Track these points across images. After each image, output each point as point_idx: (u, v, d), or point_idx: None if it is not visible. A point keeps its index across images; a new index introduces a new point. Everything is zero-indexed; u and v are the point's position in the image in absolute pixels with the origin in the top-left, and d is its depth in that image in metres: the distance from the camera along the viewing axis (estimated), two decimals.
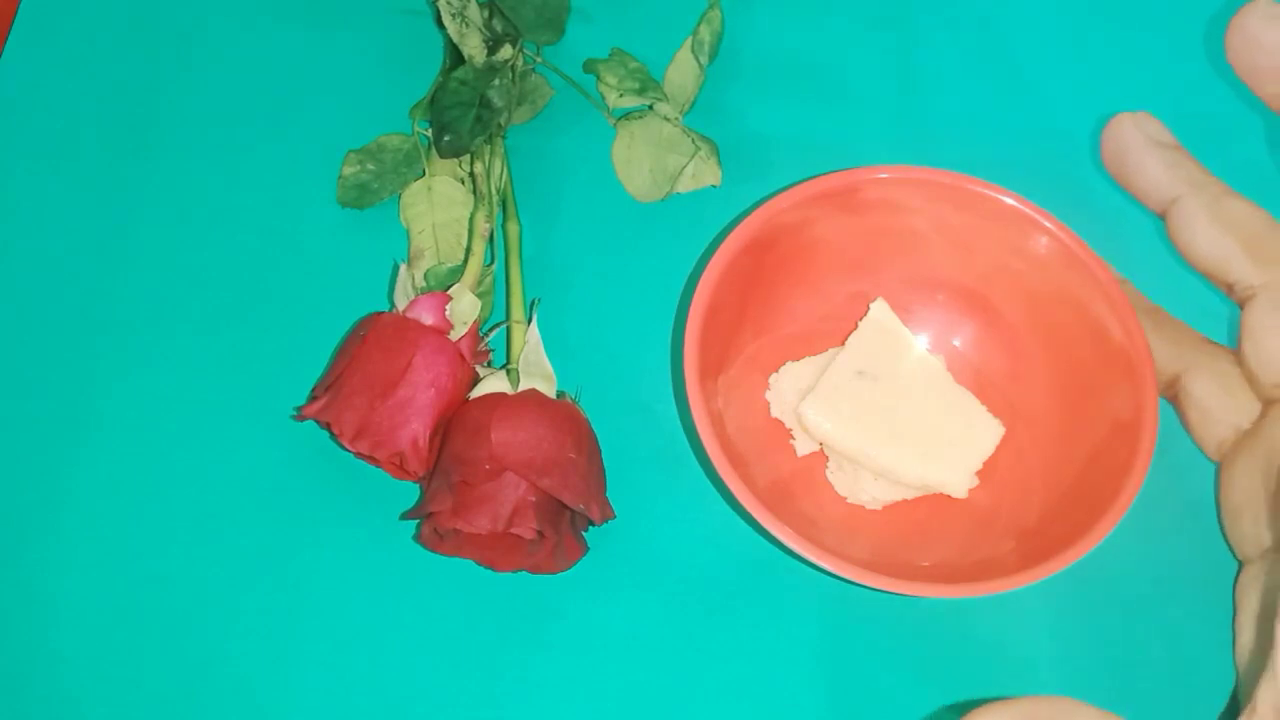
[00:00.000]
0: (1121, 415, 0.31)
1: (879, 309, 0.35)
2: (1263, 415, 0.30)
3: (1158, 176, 0.31)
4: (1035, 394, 0.34)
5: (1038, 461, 0.33)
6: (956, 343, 0.36)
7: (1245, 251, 0.30)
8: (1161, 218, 0.31)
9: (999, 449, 0.34)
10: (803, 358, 0.35)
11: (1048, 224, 0.32)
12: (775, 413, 0.35)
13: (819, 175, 0.33)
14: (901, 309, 0.35)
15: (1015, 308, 0.34)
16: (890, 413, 0.33)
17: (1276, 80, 0.27)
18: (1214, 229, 0.30)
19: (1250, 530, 0.31)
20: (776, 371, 0.35)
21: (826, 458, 0.35)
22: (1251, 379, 0.30)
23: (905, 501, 0.34)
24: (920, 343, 0.35)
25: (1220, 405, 0.31)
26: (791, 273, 0.35)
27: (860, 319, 0.35)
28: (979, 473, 0.33)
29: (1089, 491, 0.31)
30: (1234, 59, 0.28)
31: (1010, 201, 0.32)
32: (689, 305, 0.31)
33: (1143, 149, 0.31)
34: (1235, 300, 0.30)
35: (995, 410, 0.34)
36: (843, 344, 0.35)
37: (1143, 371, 0.31)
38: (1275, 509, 0.30)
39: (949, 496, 0.33)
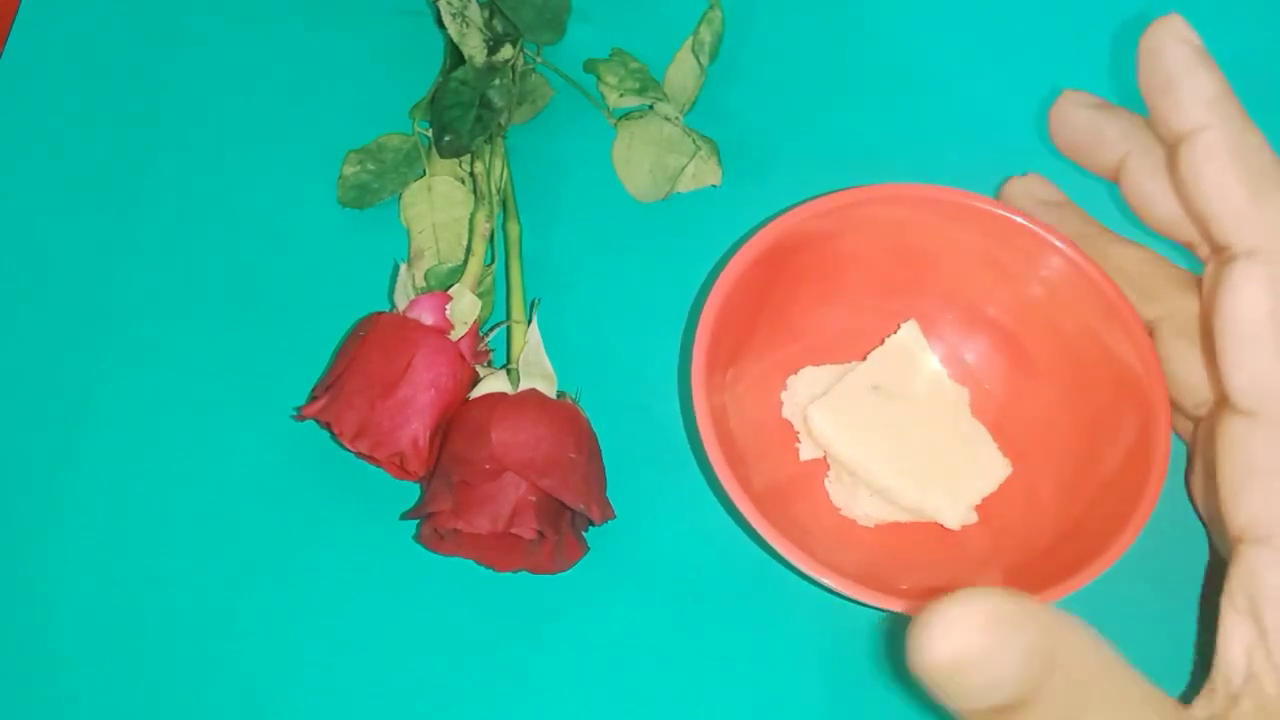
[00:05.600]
0: (1130, 459, 0.31)
1: (909, 330, 0.34)
2: (1194, 431, 0.32)
3: None
4: (1052, 440, 0.34)
5: (1040, 508, 0.33)
6: (982, 376, 0.35)
7: (1136, 291, 0.32)
8: None
9: (1003, 488, 0.33)
10: (824, 364, 0.35)
11: (1093, 273, 0.32)
12: (786, 413, 0.35)
13: (863, 185, 0.33)
14: (935, 335, 0.35)
15: (1048, 354, 0.34)
16: (898, 433, 0.33)
17: (1095, 153, 0.30)
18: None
19: (1213, 532, 0.32)
20: (795, 374, 0.35)
21: (828, 466, 0.35)
22: (1174, 403, 0.32)
23: (899, 524, 0.34)
24: (945, 371, 0.35)
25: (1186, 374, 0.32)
26: (821, 282, 0.35)
27: (889, 337, 0.35)
28: (978, 509, 0.33)
29: (1083, 537, 0.30)
30: (1057, 143, 0.31)
31: (1059, 244, 0.32)
32: (705, 298, 0.31)
33: (1030, 211, 0.34)
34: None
35: (1008, 450, 0.34)
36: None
37: (1160, 438, 0.30)
38: (1214, 518, 0.31)
39: (943, 527, 0.33)
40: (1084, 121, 0.31)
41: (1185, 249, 0.30)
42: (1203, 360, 0.30)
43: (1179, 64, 0.26)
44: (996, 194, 0.35)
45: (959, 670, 0.21)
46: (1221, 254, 0.26)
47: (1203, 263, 0.29)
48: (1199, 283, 0.31)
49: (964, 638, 0.21)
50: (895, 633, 0.33)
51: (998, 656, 0.21)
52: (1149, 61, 0.27)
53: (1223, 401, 0.26)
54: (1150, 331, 0.32)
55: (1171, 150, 0.27)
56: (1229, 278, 0.25)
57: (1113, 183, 0.31)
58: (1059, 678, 0.21)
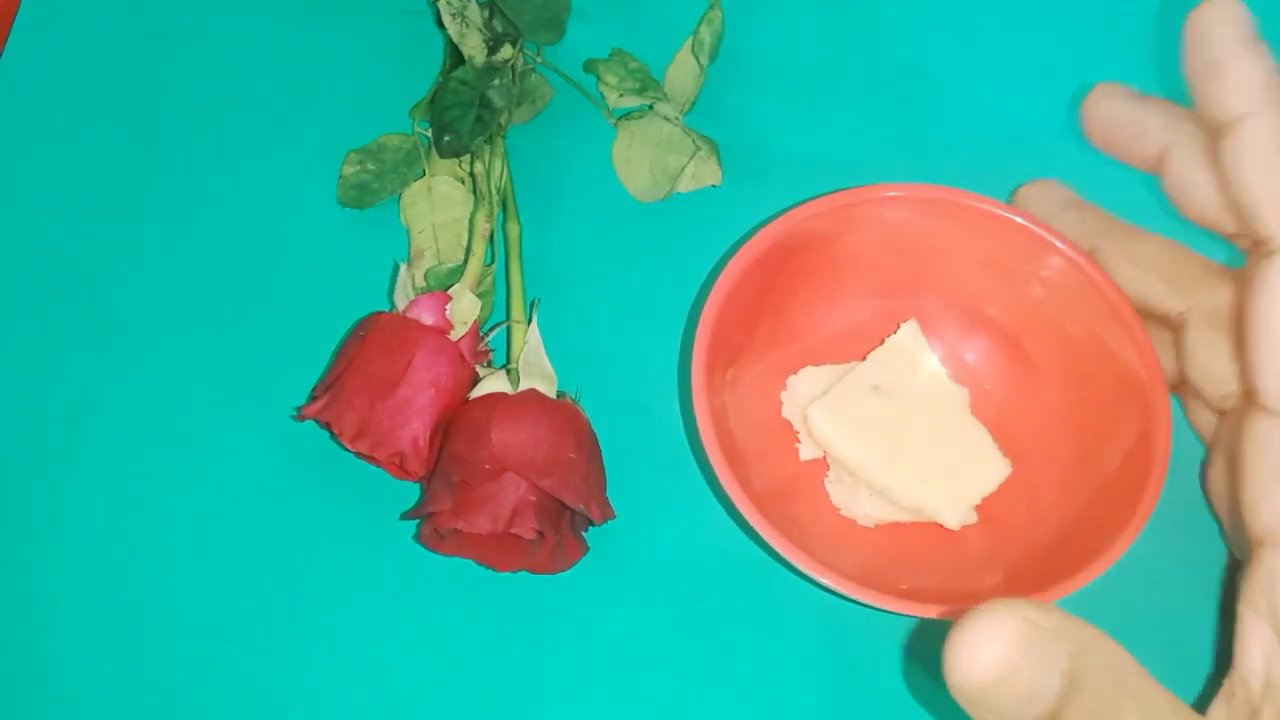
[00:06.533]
0: (1130, 459, 0.31)
1: (908, 330, 0.35)
2: (1218, 425, 0.32)
3: (1073, 234, 0.33)
4: (1052, 441, 0.34)
5: (1041, 509, 0.33)
6: (982, 376, 0.35)
7: (1165, 284, 0.31)
8: None
9: (1003, 488, 0.33)
10: (824, 364, 0.35)
11: (1094, 274, 0.32)
12: (786, 413, 0.35)
13: (863, 185, 0.33)
14: (935, 335, 0.35)
15: (1048, 354, 0.34)
16: (897, 432, 0.33)
17: (1135, 145, 0.29)
18: (1133, 270, 0.32)
19: (1230, 532, 0.32)
20: (795, 374, 0.35)
21: (828, 466, 0.35)
22: (1199, 395, 0.31)
23: (898, 524, 0.34)
24: (945, 370, 0.35)
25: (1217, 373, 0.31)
26: (821, 282, 0.35)
27: (889, 337, 0.35)
28: (977, 509, 0.33)
29: (1083, 537, 0.30)
30: (1094, 137, 0.30)
31: (1059, 244, 0.32)
32: (705, 298, 0.31)
33: (1052, 214, 0.33)
34: (1171, 328, 0.32)
35: (1008, 450, 0.33)
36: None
37: (1159, 444, 0.30)
38: (1233, 517, 0.30)
39: (942, 527, 0.33)
40: (1121, 113, 0.29)
41: (1225, 241, 0.29)
42: (1232, 353, 0.30)
43: (1227, 47, 0.25)
44: (1009, 199, 0.35)
45: (994, 686, 0.20)
46: (1260, 247, 0.25)
47: (1246, 254, 0.28)
48: (1229, 272, 0.31)
49: (1000, 652, 0.20)
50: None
51: (1034, 670, 0.21)
52: (1195, 43, 0.25)
53: (1250, 399, 0.25)
54: (1181, 323, 0.31)
55: (1214, 137, 0.26)
56: (1265, 274, 0.25)
57: (1148, 175, 0.30)
58: (1090, 689, 0.21)
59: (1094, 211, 0.33)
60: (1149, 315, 0.32)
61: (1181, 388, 0.33)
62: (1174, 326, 0.32)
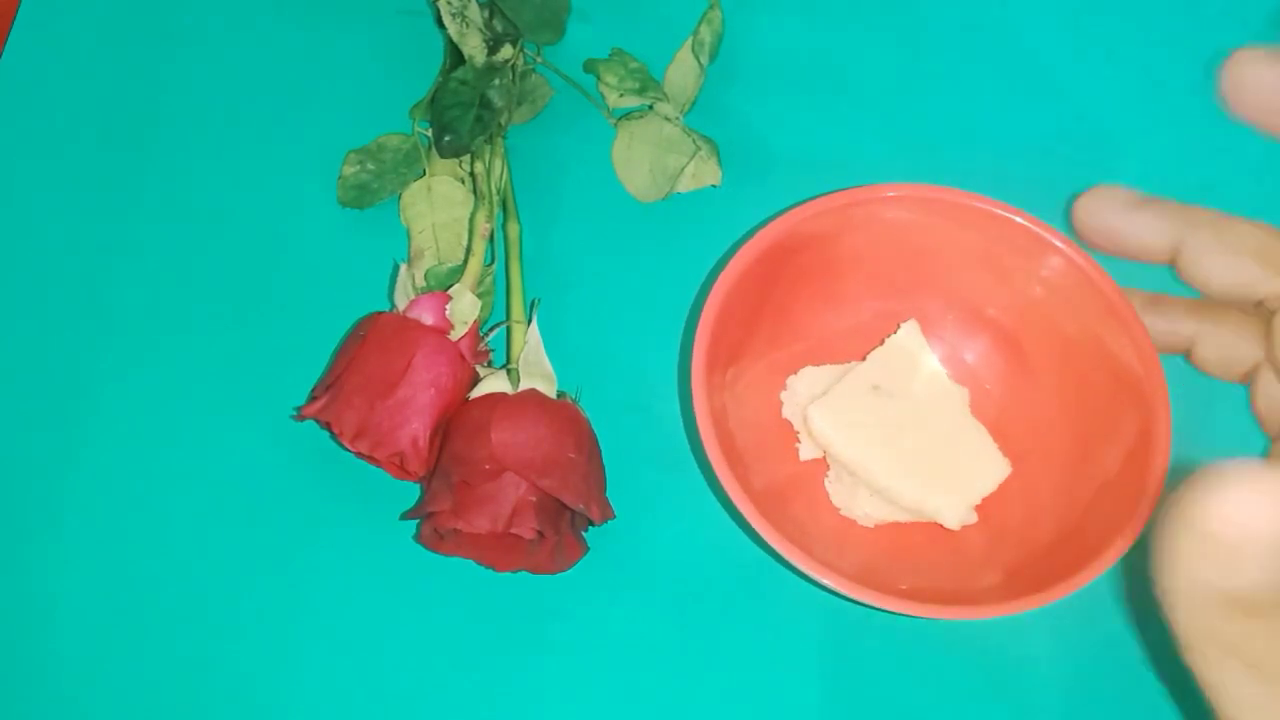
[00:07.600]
0: (1130, 459, 0.31)
1: (908, 330, 0.35)
2: None
3: (1153, 230, 0.31)
4: (1052, 441, 0.34)
5: (1040, 508, 0.33)
6: (982, 376, 0.35)
7: (1262, 266, 0.30)
8: (1171, 265, 0.32)
9: (1002, 488, 0.33)
10: (824, 364, 0.35)
11: (1093, 273, 0.32)
12: (786, 413, 0.35)
13: (863, 185, 0.33)
14: (935, 335, 0.35)
15: (1048, 354, 0.34)
16: (898, 432, 0.33)
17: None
18: (1226, 256, 0.30)
19: None
20: (795, 374, 0.35)
21: (828, 466, 0.35)
22: None
23: (898, 524, 0.34)
24: (945, 370, 0.35)
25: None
26: (821, 282, 0.35)
27: (889, 337, 0.35)
28: (977, 509, 0.33)
29: (1083, 537, 0.30)
30: (1234, 104, 0.28)
31: (1059, 244, 0.32)
32: (705, 298, 0.31)
33: (1125, 215, 0.31)
34: (1261, 315, 0.31)
35: (1008, 450, 0.34)
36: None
37: (1159, 447, 0.30)
38: None
39: (942, 526, 0.33)
40: (1276, 81, 0.26)
41: None
42: None
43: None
44: (1068, 208, 0.32)
45: (1252, 536, 0.19)
46: None
47: None
48: None
49: (1269, 502, 0.19)
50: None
51: None
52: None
53: None
54: (1276, 307, 0.30)
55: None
56: None
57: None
58: None
59: (1169, 205, 0.31)
60: (1239, 303, 0.31)
61: (1256, 373, 0.32)
62: (1267, 312, 0.30)
